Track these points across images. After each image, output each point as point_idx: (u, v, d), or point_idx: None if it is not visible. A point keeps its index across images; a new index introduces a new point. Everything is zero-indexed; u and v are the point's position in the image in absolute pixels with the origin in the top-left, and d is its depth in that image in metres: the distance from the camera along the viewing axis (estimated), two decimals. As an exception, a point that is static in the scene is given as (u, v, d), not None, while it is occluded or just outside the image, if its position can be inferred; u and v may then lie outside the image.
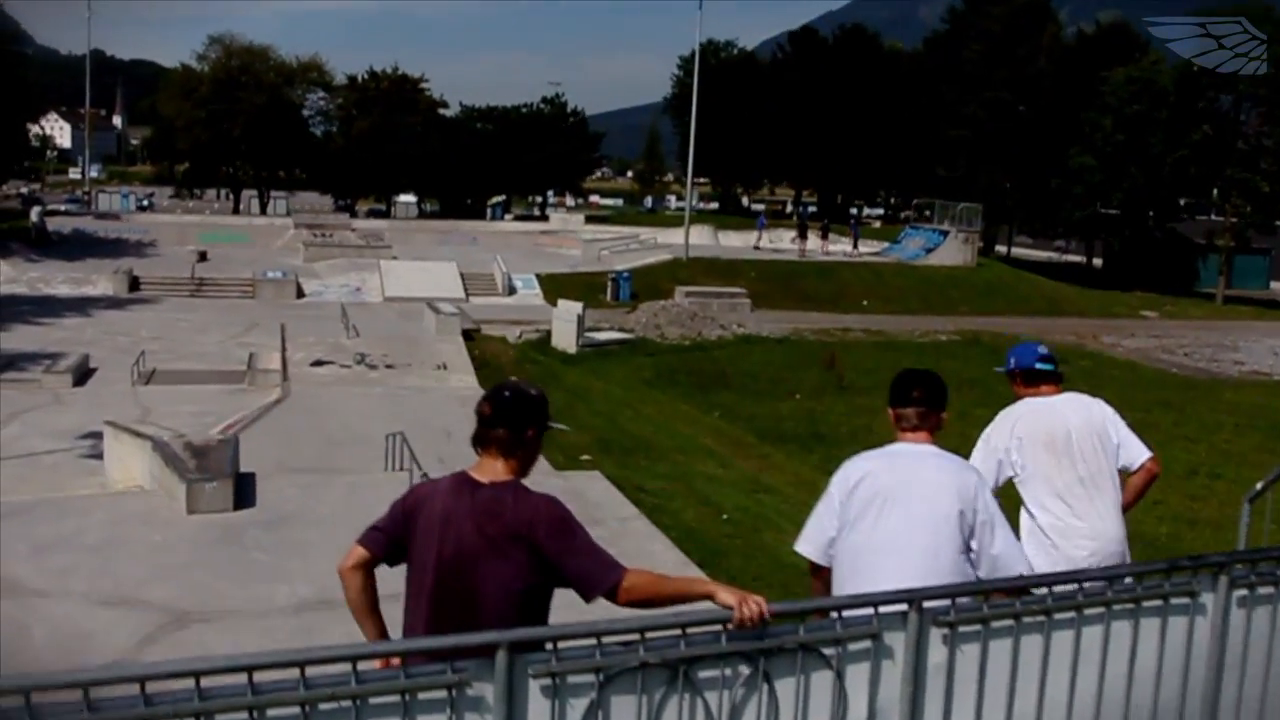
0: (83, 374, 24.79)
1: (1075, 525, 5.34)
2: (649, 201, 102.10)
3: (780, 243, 59.73)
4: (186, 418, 21.31)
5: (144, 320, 33.30)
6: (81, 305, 35.33)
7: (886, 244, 55.84)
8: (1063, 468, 5.43)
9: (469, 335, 28.18)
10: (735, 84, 69.83)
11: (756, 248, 54.49)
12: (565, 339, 30.89)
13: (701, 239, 59.57)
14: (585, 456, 18.47)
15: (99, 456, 17.49)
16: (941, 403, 4.81)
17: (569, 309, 31.08)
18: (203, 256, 44.26)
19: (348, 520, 13.41)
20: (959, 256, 51.02)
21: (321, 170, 73.08)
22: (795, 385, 27.64)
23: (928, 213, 56.32)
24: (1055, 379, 5.69)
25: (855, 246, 52.38)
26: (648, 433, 21.54)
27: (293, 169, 73.28)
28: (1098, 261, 64.29)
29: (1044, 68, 58.57)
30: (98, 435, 18.49)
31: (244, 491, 13.41)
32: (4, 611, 10.04)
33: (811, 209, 79.88)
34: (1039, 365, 5.66)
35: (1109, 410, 5.60)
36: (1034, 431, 5.51)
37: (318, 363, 23.82)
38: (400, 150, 70.95)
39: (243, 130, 64.02)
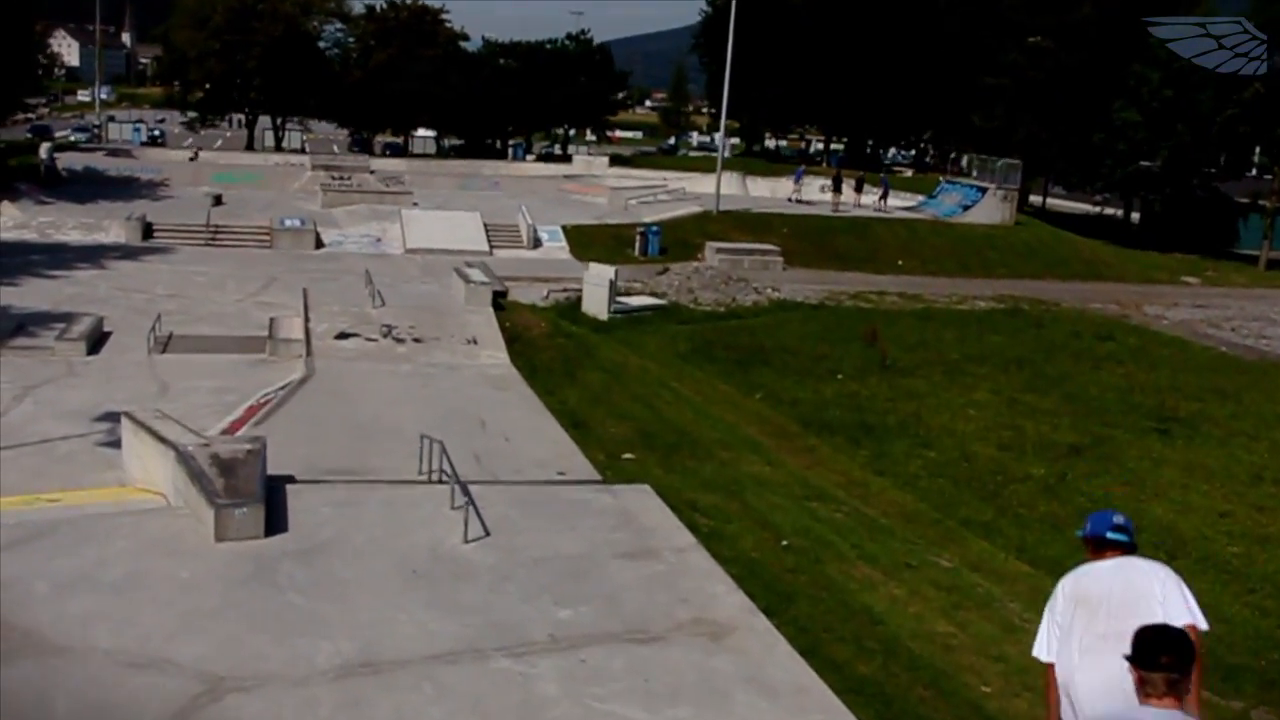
0: (97, 340, 23.74)
1: (1085, 678, 5.51)
2: (671, 141, 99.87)
3: (809, 193, 58.18)
4: (206, 394, 20.32)
5: (158, 274, 32.15)
6: (93, 254, 34.17)
7: (921, 197, 54.24)
8: (1090, 624, 5.55)
9: (497, 300, 27.00)
10: (765, 20, 67.55)
11: (792, 200, 52.96)
12: (597, 305, 29.72)
13: (729, 187, 57.90)
14: (628, 455, 17.47)
15: (116, 444, 16.55)
16: (1190, 665, 4.52)
17: (601, 273, 29.86)
18: (218, 200, 42.97)
19: (386, 551, 12.52)
20: (997, 214, 49.48)
21: (338, 103, 71.31)
22: (836, 363, 26.52)
23: (959, 163, 54.59)
24: (1126, 548, 5.78)
25: (884, 200, 50.80)
26: (688, 421, 20.48)
27: (308, 102, 71.49)
28: (1134, 215, 62.62)
29: (1089, 15, 56.38)
30: (114, 418, 17.53)
31: (275, 511, 12.42)
32: (25, 675, 9.24)
33: (839, 154, 78.03)
34: (1110, 535, 5.81)
35: (1167, 574, 5.62)
36: (1076, 591, 5.73)
37: (342, 335, 22.72)
38: (419, 85, 69.13)
39: (258, 62, 62.21)
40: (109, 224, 37.48)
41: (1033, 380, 26.34)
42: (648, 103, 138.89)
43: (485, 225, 41.19)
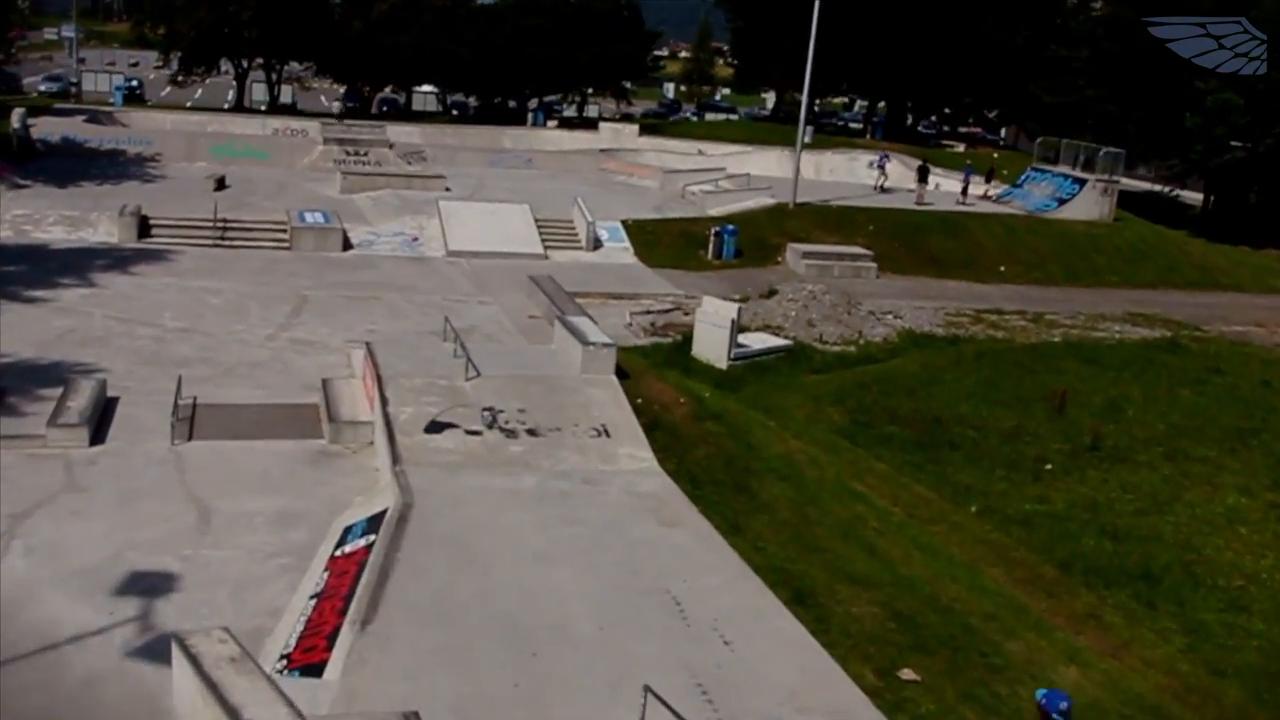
0: (100, 414, 17.95)
1: None
2: (693, 109, 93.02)
3: (842, 173, 52.52)
4: (262, 530, 14.85)
5: (164, 294, 26.13)
6: (81, 262, 28.04)
7: (1003, 186, 48.66)
8: None
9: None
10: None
11: (878, 188, 47.26)
12: (713, 349, 24.12)
13: (773, 166, 52.21)
14: (907, 673, 12.04)
15: (151, 654, 11.14)
16: None
17: (720, 312, 24.20)
18: (220, 183, 36.74)
19: None
20: (1095, 210, 44.09)
21: (336, 56, 64.47)
22: (1031, 438, 21.22)
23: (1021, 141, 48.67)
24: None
25: (965, 194, 45.16)
26: (928, 576, 15.11)
27: (306, 57, 64.57)
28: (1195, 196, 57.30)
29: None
30: (143, 587, 12.14)
31: None
32: None
33: (878, 119, 72.11)
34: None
35: None
36: None
37: (435, 426, 17.01)
38: (426, 39, 62.47)
39: (254, 12, 55.37)
40: (97, 218, 31.25)
41: (1271, 464, 21.10)
42: (664, 49, 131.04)
43: (535, 220, 35.28)
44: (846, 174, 53.56)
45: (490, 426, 17.30)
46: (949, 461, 19.92)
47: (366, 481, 16.63)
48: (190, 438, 17.74)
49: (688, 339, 25.27)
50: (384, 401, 17.55)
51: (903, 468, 19.45)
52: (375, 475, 16.83)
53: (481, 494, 15.49)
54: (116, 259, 28.76)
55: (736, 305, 24.41)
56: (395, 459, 16.14)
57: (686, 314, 30.42)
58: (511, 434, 17.24)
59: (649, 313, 29.88)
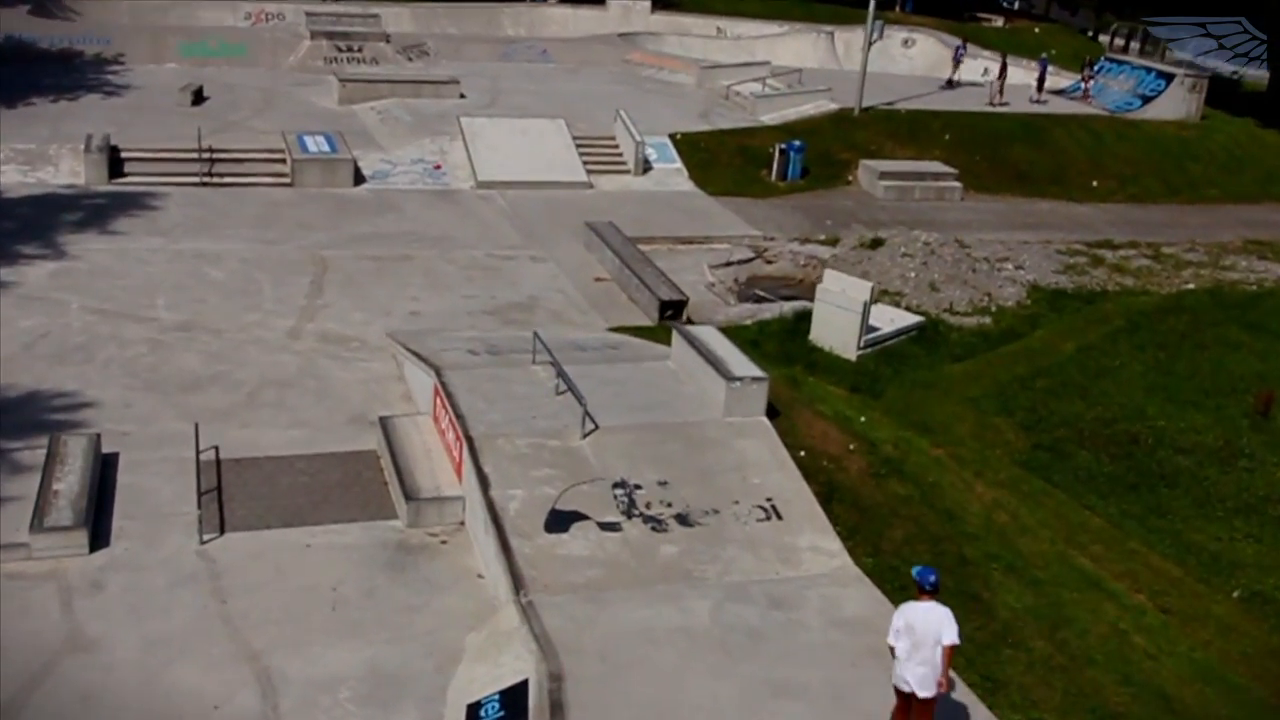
0: (98, 490, 13.44)
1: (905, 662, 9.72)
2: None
3: (874, 54, 47.24)
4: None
5: (152, 266, 21.20)
6: (46, 220, 22.95)
7: (1065, 75, 43.55)
8: (909, 638, 9.70)
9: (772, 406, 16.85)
10: None
11: (954, 82, 42.08)
12: (839, 336, 19.73)
13: (816, 54, 46.78)
14: None
15: None
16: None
17: (846, 292, 19.68)
18: (198, 96, 31.18)
19: None
20: (1182, 109, 39.27)
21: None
22: (1250, 463, 17.21)
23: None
24: (934, 593, 9.82)
25: (1040, 91, 40.08)
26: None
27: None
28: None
29: None
30: None
31: None
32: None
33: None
34: (926, 586, 9.84)
35: (948, 615, 9.72)
36: (904, 620, 9.82)
37: (558, 520, 12.68)
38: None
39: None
40: (58, 152, 25.92)
41: None
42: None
43: (574, 140, 30.24)
44: (877, 55, 47.99)
45: (629, 515, 12.96)
46: (1172, 509, 15.90)
47: (471, 600, 12.34)
48: (222, 528, 13.27)
49: (802, 319, 20.78)
50: (482, 480, 13.11)
51: (1122, 521, 15.39)
52: (480, 587, 12.53)
53: (646, 641, 11.25)
54: (88, 212, 23.61)
55: (870, 286, 19.84)
56: (516, 581, 11.82)
57: (769, 262, 25.98)
58: (658, 524, 12.91)
59: (728, 264, 25.31)
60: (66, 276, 20.25)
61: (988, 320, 22.13)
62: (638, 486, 13.38)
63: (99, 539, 12.81)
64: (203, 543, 12.91)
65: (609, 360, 16.40)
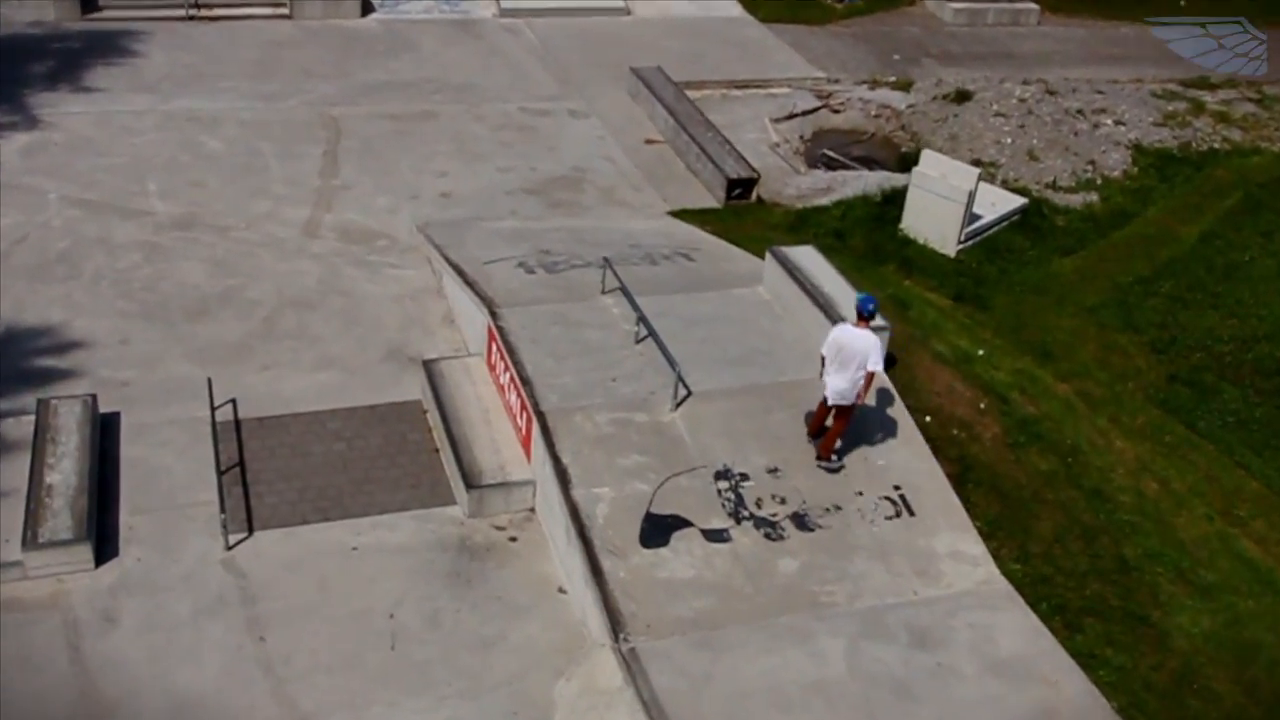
0: (95, 459, 11.28)
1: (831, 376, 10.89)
2: None
3: None
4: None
5: (140, 136, 18.31)
6: (13, 73, 19.77)
7: None
8: (838, 357, 10.76)
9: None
10: None
11: None
12: (934, 226, 17.17)
13: None
14: None
15: None
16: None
17: (948, 178, 16.93)
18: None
19: None
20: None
21: None
22: None
23: None
24: (869, 320, 10.85)
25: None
26: None
27: None
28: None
29: None
30: None
31: None
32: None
33: None
34: (864, 312, 10.83)
35: (878, 341, 10.76)
36: (836, 339, 10.85)
37: (655, 531, 10.59)
38: None
39: None
40: (18, -20, 22.32)
41: None
42: None
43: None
44: None
45: (738, 517, 10.85)
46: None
47: (556, 629, 10.39)
48: (250, 525, 11.18)
49: (890, 201, 18.11)
50: (560, 473, 10.93)
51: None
52: (564, 607, 10.57)
53: (775, 704, 9.36)
54: (60, 60, 20.41)
55: (976, 174, 17.06)
56: (613, 619, 9.82)
57: (835, 111, 22.95)
58: (772, 529, 10.83)
59: (791, 116, 22.30)
60: (42, 154, 17.39)
61: (1094, 197, 19.41)
62: (744, 477, 11.21)
63: (105, 545, 10.74)
64: (229, 548, 10.84)
65: (690, 288, 13.88)
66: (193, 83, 20.15)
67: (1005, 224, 18.07)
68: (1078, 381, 14.56)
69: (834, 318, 12.51)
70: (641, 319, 12.46)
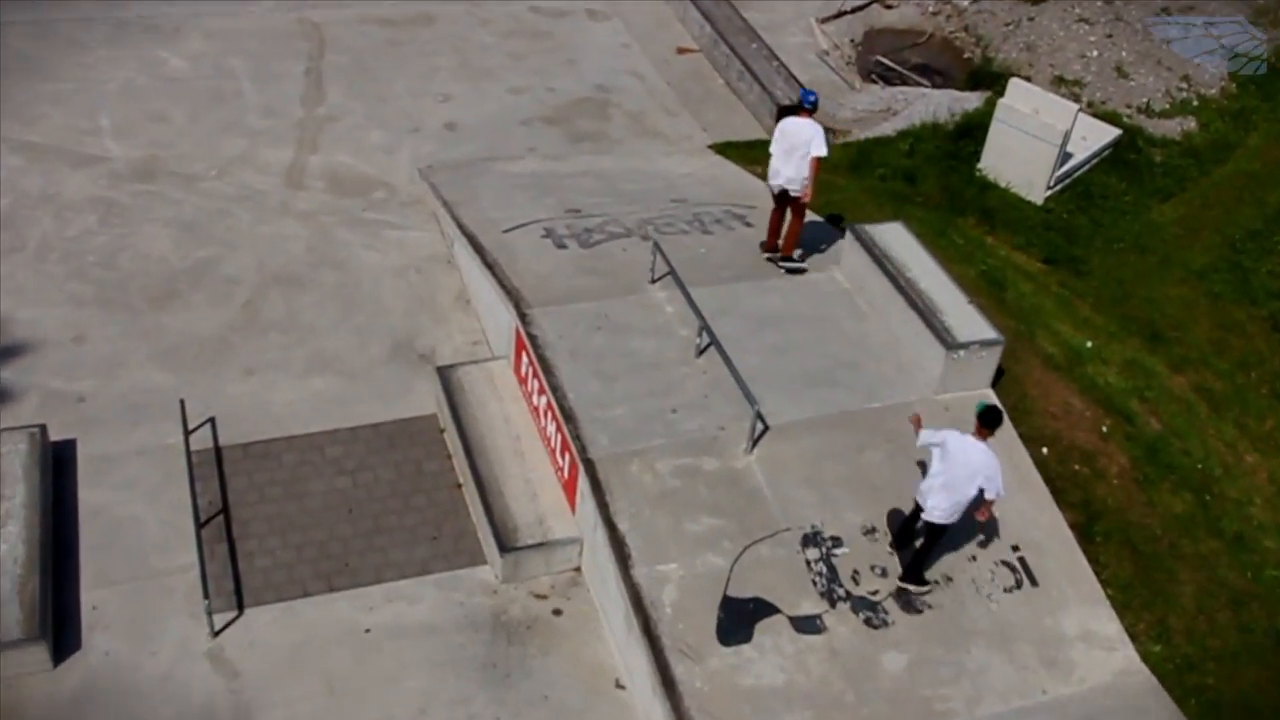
0: (48, 514, 9.33)
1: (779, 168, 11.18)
2: None
3: None
4: None
5: (87, 51, 15.65)
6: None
7: None
8: (780, 143, 11.09)
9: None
10: None
11: None
12: (1020, 169, 14.88)
13: None
14: None
15: None
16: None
17: (1041, 114, 14.47)
18: None
19: None
20: None
21: None
22: None
23: None
24: (810, 111, 11.01)
25: None
26: None
27: None
28: None
29: None
30: None
31: None
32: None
33: None
34: (806, 104, 11.05)
35: (819, 130, 10.90)
36: (781, 129, 11.19)
37: (734, 620, 8.69)
38: None
39: None
40: None
41: None
42: None
43: None
44: None
45: (831, 596, 8.94)
46: None
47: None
48: (240, 600, 9.22)
49: (964, 134, 15.70)
50: (616, 545, 8.94)
51: None
52: (624, 709, 8.73)
53: None
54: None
55: (1074, 111, 14.60)
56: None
57: (889, 7, 20.20)
58: (874, 612, 8.94)
59: (839, 14, 19.56)
60: (-29, 78, 14.73)
61: (1191, 123, 16.99)
62: (837, 541, 9.26)
63: (65, 634, 8.79)
64: (214, 633, 8.90)
65: (754, 272, 11.63)
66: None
67: (1096, 161, 15.71)
68: (1194, 373, 12.55)
69: (934, 326, 10.35)
70: (704, 328, 10.27)
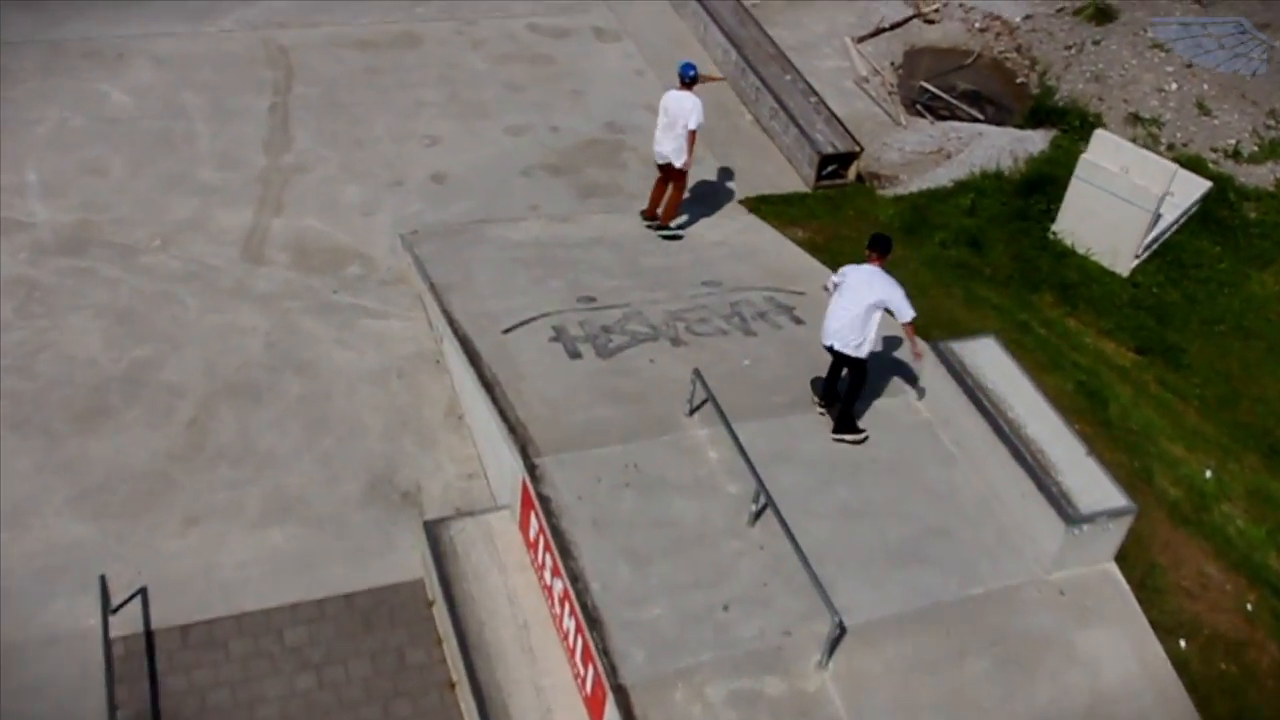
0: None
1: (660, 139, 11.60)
2: None
3: None
4: None
5: (16, 81, 13.28)
6: None
7: None
8: (665, 119, 11.48)
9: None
10: None
11: None
12: (1104, 235, 12.83)
13: None
14: None
15: None
16: None
17: (1133, 173, 12.35)
18: None
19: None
20: None
21: None
22: None
23: None
24: (689, 83, 11.35)
25: None
26: None
27: None
28: None
29: None
30: None
31: None
32: None
33: None
34: (686, 77, 11.38)
35: (696, 101, 11.28)
36: (664, 102, 11.49)
37: None
38: None
39: None
40: None
41: None
42: None
43: None
44: None
45: None
46: None
47: None
48: None
49: (1034, 184, 13.60)
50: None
51: None
52: None
53: None
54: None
55: (1173, 172, 12.47)
56: None
57: (930, 22, 18.02)
58: None
59: (877, 33, 17.34)
60: None
61: (1285, 172, 14.91)
62: None
63: None
64: None
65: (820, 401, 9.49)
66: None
67: (1184, 219, 13.62)
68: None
69: (1049, 491, 8.28)
70: (761, 490, 8.15)
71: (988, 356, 9.38)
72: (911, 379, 9.72)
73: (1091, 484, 8.39)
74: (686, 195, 12.19)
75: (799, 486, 8.59)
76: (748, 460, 8.38)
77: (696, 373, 9.01)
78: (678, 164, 11.57)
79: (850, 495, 8.69)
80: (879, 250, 8.69)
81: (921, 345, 9.02)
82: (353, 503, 9.40)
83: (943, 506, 8.70)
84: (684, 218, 12.37)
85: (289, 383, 10.30)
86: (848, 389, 8.97)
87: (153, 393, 10.03)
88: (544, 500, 8.31)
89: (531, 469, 8.52)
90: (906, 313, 8.54)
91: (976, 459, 8.95)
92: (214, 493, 9.32)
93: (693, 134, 11.36)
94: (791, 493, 8.45)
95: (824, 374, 9.24)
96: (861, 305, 8.53)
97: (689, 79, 11.41)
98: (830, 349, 8.86)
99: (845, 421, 9.02)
